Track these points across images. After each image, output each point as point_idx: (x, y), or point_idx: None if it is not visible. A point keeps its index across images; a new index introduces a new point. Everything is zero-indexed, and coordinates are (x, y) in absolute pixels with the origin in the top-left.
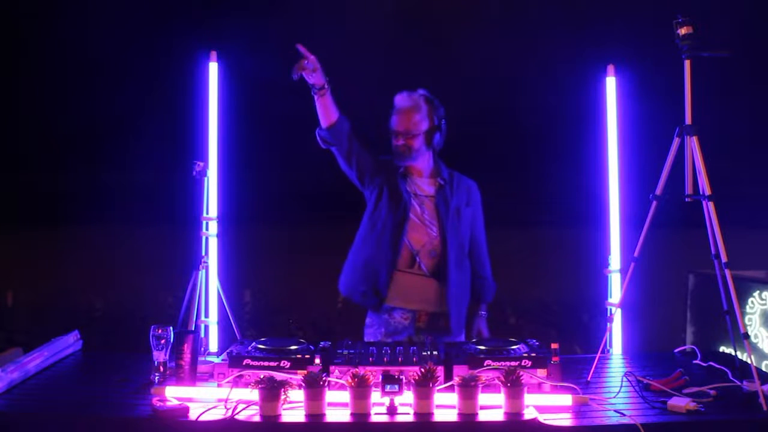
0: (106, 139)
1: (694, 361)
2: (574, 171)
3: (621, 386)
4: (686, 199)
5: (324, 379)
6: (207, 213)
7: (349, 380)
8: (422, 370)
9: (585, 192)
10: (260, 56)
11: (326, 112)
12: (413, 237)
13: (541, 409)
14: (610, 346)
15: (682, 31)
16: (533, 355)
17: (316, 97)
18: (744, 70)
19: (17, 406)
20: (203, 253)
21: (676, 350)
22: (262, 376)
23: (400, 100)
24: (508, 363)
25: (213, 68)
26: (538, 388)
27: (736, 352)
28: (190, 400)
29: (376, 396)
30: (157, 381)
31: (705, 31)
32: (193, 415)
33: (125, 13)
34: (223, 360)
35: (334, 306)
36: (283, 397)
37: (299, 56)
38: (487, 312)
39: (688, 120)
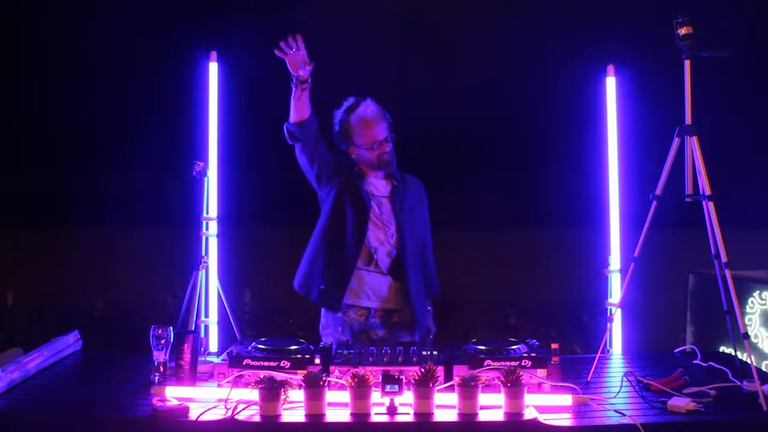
0: (106, 139)
1: (694, 361)
2: (574, 171)
3: (621, 386)
4: (686, 199)
5: (324, 379)
6: (207, 213)
7: (349, 380)
8: (422, 370)
9: (585, 192)
10: (260, 56)
11: (301, 107)
12: (372, 236)
13: (541, 409)
14: (610, 346)
15: (682, 31)
16: (533, 355)
17: (295, 90)
18: (744, 70)
19: (17, 406)
20: (203, 253)
21: (676, 350)
22: (262, 376)
23: (368, 111)
24: (508, 363)
25: (213, 68)
26: (538, 388)
27: (736, 352)
28: (190, 400)
29: (376, 396)
30: (157, 381)
31: (705, 31)
32: (193, 415)
33: (125, 13)
34: (223, 360)
35: None
36: (283, 397)
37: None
38: (432, 307)
39: (688, 120)
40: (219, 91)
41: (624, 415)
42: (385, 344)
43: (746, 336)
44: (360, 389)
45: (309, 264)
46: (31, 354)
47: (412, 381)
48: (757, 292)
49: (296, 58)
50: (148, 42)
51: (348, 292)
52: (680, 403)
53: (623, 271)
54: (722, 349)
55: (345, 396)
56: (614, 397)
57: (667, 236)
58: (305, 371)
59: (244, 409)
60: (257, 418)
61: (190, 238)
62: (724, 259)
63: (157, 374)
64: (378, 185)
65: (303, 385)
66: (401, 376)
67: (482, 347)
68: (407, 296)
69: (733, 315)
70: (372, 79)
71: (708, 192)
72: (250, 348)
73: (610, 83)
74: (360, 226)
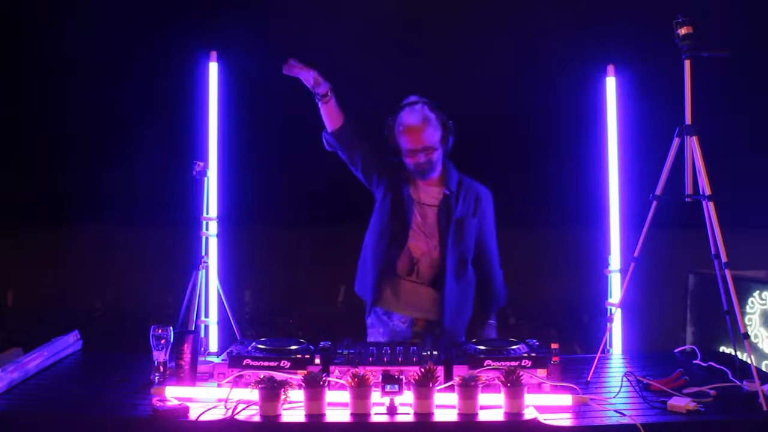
0: (106, 139)
1: (694, 361)
2: (574, 171)
3: (621, 386)
4: (686, 199)
5: (324, 379)
6: (207, 213)
7: (349, 380)
8: (422, 370)
9: (585, 192)
10: (260, 56)
11: (331, 117)
12: (414, 245)
13: (541, 409)
14: (610, 346)
15: (682, 31)
16: (533, 355)
17: (320, 104)
18: (744, 70)
19: (17, 406)
20: (203, 253)
21: (676, 350)
22: (262, 376)
23: (409, 117)
24: (508, 363)
25: (213, 68)
26: (538, 388)
27: (736, 352)
28: (190, 400)
29: (376, 396)
30: (157, 381)
31: (705, 31)
32: (193, 415)
33: (125, 13)
34: (223, 360)
35: (334, 306)
36: (283, 397)
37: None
38: (496, 320)
39: (688, 120)
40: (219, 91)
41: (624, 415)
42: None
43: (746, 336)
44: (360, 389)
45: (361, 263)
46: (31, 354)
47: (412, 381)
48: (757, 292)
49: (306, 77)
50: (148, 42)
51: (386, 298)
52: (680, 403)
53: (623, 271)
54: (722, 349)
55: (345, 396)
56: (614, 397)
57: (667, 236)
58: (305, 371)
59: (244, 409)
60: (257, 418)
61: (190, 238)
62: (724, 259)
63: (157, 374)
64: (428, 192)
65: (303, 385)
66: (401, 376)
67: (482, 347)
68: (442, 311)
69: (733, 315)
70: (372, 79)
71: (708, 192)
72: (250, 348)
73: (610, 83)
74: (401, 234)
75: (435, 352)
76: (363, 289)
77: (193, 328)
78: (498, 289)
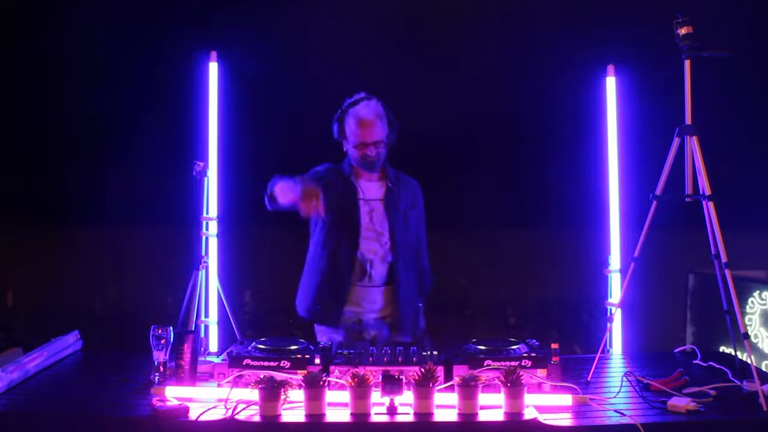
0: (106, 139)
1: (694, 361)
2: (574, 171)
3: (621, 386)
4: (686, 199)
5: (324, 379)
6: (207, 213)
7: (349, 380)
8: (422, 370)
9: (585, 192)
10: (260, 56)
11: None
12: (365, 247)
13: (541, 409)
14: (610, 346)
15: (682, 31)
16: (533, 355)
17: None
18: (744, 70)
19: (17, 406)
20: (203, 253)
21: (676, 350)
22: (262, 376)
23: (364, 111)
24: (508, 363)
25: (213, 68)
26: (538, 388)
27: (736, 352)
28: (190, 400)
29: (376, 396)
30: (157, 381)
31: (705, 31)
32: (193, 415)
33: (125, 13)
34: (223, 360)
35: None
36: (283, 397)
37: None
38: (424, 304)
39: (688, 120)
40: (219, 91)
41: (624, 415)
42: (384, 344)
43: (746, 336)
44: (360, 389)
45: (307, 284)
46: (31, 354)
47: (412, 381)
48: (757, 292)
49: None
50: (148, 42)
51: (338, 308)
52: (680, 403)
53: (623, 271)
54: (722, 349)
55: (345, 396)
56: (614, 397)
57: (667, 236)
58: (305, 371)
59: (244, 409)
60: (257, 418)
61: (190, 238)
62: (724, 259)
63: (157, 374)
64: (371, 188)
65: (303, 385)
66: (401, 376)
67: (482, 347)
68: (397, 303)
69: (733, 315)
70: (371, 79)
71: (708, 192)
72: (250, 348)
73: (610, 83)
74: (352, 241)
75: (435, 352)
76: (306, 306)
77: (193, 328)
78: (428, 273)
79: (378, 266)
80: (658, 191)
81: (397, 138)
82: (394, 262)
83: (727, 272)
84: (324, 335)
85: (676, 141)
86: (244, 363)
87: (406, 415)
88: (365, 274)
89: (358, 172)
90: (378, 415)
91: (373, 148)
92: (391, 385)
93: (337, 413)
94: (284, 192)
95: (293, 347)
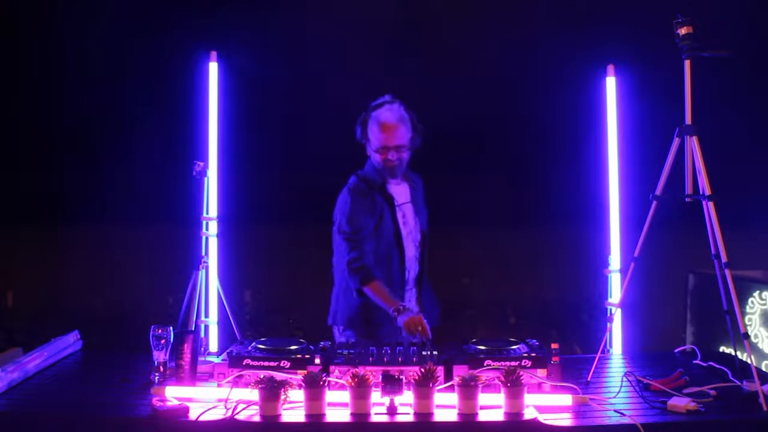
0: (106, 139)
1: (694, 361)
2: (574, 171)
3: (621, 386)
4: (686, 199)
5: (324, 379)
6: (207, 213)
7: (349, 380)
8: (422, 370)
9: (585, 192)
10: (260, 56)
11: None
12: (408, 255)
13: (541, 409)
14: (610, 346)
15: (682, 31)
16: (533, 355)
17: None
18: (744, 70)
19: (17, 406)
20: (203, 253)
21: (676, 350)
22: (262, 376)
23: (387, 115)
24: (508, 363)
25: (213, 68)
26: (538, 388)
27: (736, 352)
28: (190, 400)
29: (376, 396)
30: (157, 381)
31: (705, 31)
32: (193, 415)
33: (125, 13)
34: (223, 360)
35: None
36: (283, 397)
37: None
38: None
39: (688, 120)
40: (219, 91)
41: (624, 415)
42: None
43: (746, 336)
44: (360, 389)
45: (341, 293)
46: (31, 354)
47: (412, 381)
48: (757, 292)
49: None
50: (148, 42)
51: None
52: (680, 403)
53: (623, 271)
54: (722, 349)
55: (345, 396)
56: (614, 397)
57: (667, 236)
58: (305, 371)
59: (244, 409)
60: (257, 418)
61: (190, 238)
62: (724, 259)
63: (157, 374)
64: (401, 192)
65: (303, 385)
66: (401, 376)
67: (482, 347)
68: (421, 301)
69: (733, 315)
70: (371, 79)
71: (708, 192)
72: (250, 348)
73: (610, 83)
74: (400, 252)
75: (435, 352)
76: (347, 318)
77: (193, 328)
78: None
79: (413, 269)
80: (658, 191)
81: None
82: (421, 264)
83: (727, 272)
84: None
85: (676, 141)
86: (244, 363)
87: (406, 415)
88: (406, 279)
89: (385, 177)
90: (378, 415)
91: (395, 152)
92: (391, 385)
93: (337, 413)
94: (379, 303)
95: (293, 347)
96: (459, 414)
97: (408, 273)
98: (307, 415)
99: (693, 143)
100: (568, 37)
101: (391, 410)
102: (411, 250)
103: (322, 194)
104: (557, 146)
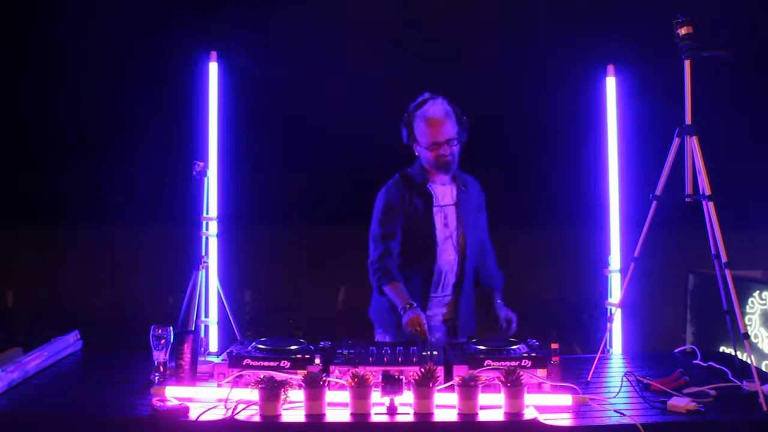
0: (106, 139)
1: (694, 361)
2: (574, 171)
3: (621, 386)
4: (686, 199)
5: (324, 379)
6: (207, 213)
7: (349, 380)
8: (422, 370)
9: (585, 192)
10: (260, 56)
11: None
12: (443, 260)
13: (541, 409)
14: (610, 346)
15: (682, 31)
16: (533, 355)
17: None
18: (744, 70)
19: (17, 406)
20: (203, 253)
21: (676, 350)
22: (262, 376)
23: (433, 111)
24: (508, 363)
25: (213, 68)
26: (538, 388)
27: (736, 352)
28: (190, 400)
29: (376, 396)
30: (157, 381)
31: (705, 31)
32: (193, 415)
33: (125, 13)
34: (223, 360)
35: (334, 306)
36: (283, 397)
37: None
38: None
39: (688, 120)
40: (219, 91)
41: (624, 415)
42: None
43: (746, 336)
44: (360, 389)
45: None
46: (31, 354)
47: (412, 381)
48: (757, 292)
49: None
50: (148, 42)
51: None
52: (680, 403)
53: (623, 271)
54: (722, 349)
55: (345, 396)
56: (614, 397)
57: (667, 236)
58: (305, 371)
59: (244, 409)
60: (257, 418)
61: (190, 238)
62: (724, 259)
63: (157, 374)
64: (445, 193)
65: (303, 385)
66: (401, 376)
67: (482, 347)
68: (458, 309)
69: (733, 315)
70: (370, 79)
71: (708, 192)
72: (250, 348)
73: (610, 83)
74: (430, 257)
75: (435, 352)
76: (382, 318)
77: (193, 328)
78: (497, 270)
79: (450, 277)
80: (658, 191)
81: (396, 137)
82: (462, 271)
83: (727, 272)
84: (383, 337)
85: (676, 141)
86: (244, 363)
87: (406, 415)
88: (439, 286)
89: (433, 176)
90: (378, 415)
91: (447, 147)
92: (391, 385)
93: (337, 413)
94: (394, 300)
95: (293, 347)
96: (459, 414)
97: (443, 277)
98: (307, 415)
99: (693, 143)
100: (568, 37)
101: (391, 410)
102: (450, 254)
103: (321, 195)
104: (557, 146)
